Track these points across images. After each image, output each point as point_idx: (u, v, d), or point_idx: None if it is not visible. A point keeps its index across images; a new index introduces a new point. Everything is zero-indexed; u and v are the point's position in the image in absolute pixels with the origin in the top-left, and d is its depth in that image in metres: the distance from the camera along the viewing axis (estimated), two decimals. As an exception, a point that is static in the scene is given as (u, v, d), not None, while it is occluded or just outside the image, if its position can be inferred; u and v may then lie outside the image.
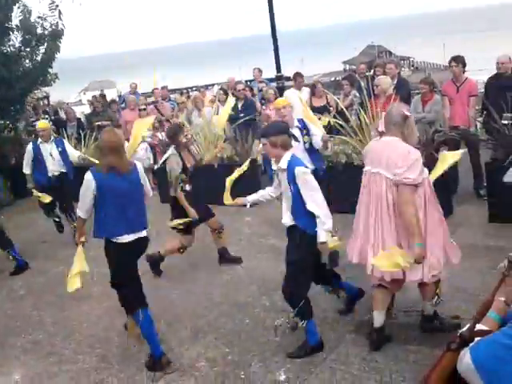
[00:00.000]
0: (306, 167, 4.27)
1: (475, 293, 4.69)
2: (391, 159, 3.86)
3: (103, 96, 12.19)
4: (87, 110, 14.48)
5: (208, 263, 6.42)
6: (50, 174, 7.60)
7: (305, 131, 5.78)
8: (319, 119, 8.75)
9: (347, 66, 41.78)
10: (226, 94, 10.47)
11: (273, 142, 4.22)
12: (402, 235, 3.91)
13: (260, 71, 12.07)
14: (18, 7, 10.67)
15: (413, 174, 3.79)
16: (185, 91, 11.96)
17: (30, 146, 7.78)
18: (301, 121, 5.88)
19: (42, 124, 7.99)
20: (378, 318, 4.18)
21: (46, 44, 10.91)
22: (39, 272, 6.91)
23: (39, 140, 7.69)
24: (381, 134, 4.28)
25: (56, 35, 10.95)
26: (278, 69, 11.80)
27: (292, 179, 4.11)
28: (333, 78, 20.48)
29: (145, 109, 11.15)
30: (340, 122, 7.68)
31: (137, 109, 11.16)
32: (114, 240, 4.26)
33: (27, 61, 11.04)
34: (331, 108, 9.01)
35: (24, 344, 5.17)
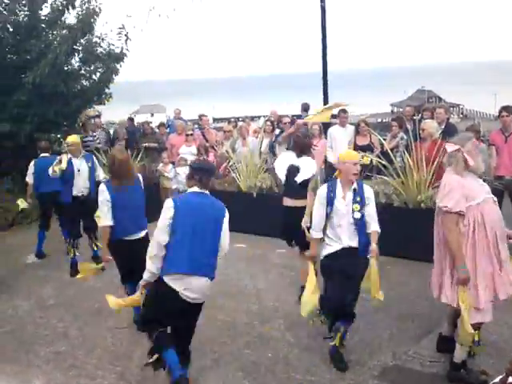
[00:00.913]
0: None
1: (504, 347, 4.50)
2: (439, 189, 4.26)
3: (149, 123, 12.57)
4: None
5: (236, 291, 6.38)
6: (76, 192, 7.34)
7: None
8: (362, 158, 8.76)
9: (395, 109, 41.65)
10: (273, 125, 10.59)
11: None
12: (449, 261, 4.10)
13: (305, 109, 12.28)
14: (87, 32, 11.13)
15: (449, 202, 4.01)
16: (232, 120, 12.10)
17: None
18: None
19: (73, 138, 7.53)
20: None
21: (105, 65, 11.30)
22: (70, 283, 6.98)
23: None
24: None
25: (117, 58, 11.35)
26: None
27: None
28: (380, 119, 20.45)
29: (191, 134, 11.33)
30: (383, 163, 7.63)
31: (184, 134, 11.35)
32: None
33: (85, 79, 11.44)
34: (375, 148, 8.96)
35: (47, 354, 5.21)
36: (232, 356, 4.89)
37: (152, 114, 20.83)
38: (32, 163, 8.15)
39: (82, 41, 11.12)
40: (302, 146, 6.05)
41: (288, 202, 6.04)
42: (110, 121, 28.55)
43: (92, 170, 7.50)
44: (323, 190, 4.78)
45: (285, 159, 6.16)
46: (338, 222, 4.63)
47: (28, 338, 5.61)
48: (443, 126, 8.29)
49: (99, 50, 11.33)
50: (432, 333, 4.89)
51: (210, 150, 10.99)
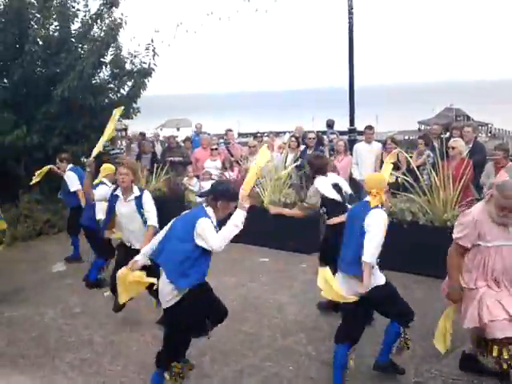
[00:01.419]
0: None
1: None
2: None
3: (175, 137, 12.72)
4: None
5: (260, 304, 6.41)
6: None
7: None
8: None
9: (422, 126, 41.32)
10: (298, 141, 10.65)
11: None
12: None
13: (330, 125, 12.33)
14: (113, 46, 11.39)
15: (457, 232, 4.26)
16: (259, 135, 12.18)
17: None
18: None
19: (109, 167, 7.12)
20: None
21: (133, 80, 11.51)
22: (97, 293, 7.08)
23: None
24: None
25: (145, 73, 11.56)
26: (352, 122, 11.88)
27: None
28: (406, 137, 20.34)
29: (216, 149, 11.45)
30: (409, 180, 7.61)
31: (209, 148, 11.47)
32: None
33: (113, 93, 11.66)
34: (401, 166, 8.93)
35: (72, 360, 5.30)
36: (254, 368, 4.91)
37: (178, 128, 21.09)
38: (73, 172, 8.24)
39: (110, 55, 11.36)
40: (317, 167, 5.92)
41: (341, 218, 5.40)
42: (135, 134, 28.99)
43: None
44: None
45: (324, 182, 5.85)
46: None
47: (53, 344, 5.71)
48: (470, 145, 8.25)
49: (128, 65, 11.56)
50: (455, 351, 4.85)
51: (234, 164, 11.09)
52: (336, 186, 5.82)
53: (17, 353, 5.57)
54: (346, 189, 5.92)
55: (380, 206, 4.43)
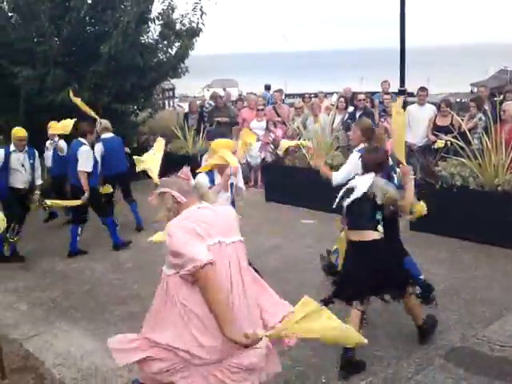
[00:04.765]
0: None
1: None
2: None
3: (221, 96, 12.63)
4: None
5: (304, 266, 6.47)
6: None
7: None
8: (434, 143, 8.53)
9: (475, 89, 39.82)
10: (346, 102, 10.49)
11: None
12: None
13: (389, 84, 12.09)
14: (161, 1, 11.31)
15: None
16: (307, 96, 11.99)
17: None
18: None
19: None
20: None
21: (182, 40, 11.46)
22: (147, 249, 7.10)
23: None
24: None
25: (193, 33, 11.49)
26: (402, 83, 11.57)
27: None
28: (458, 99, 19.65)
29: (262, 109, 11.41)
30: (460, 144, 7.42)
31: (255, 108, 11.44)
32: None
33: (161, 53, 11.67)
34: (455, 130, 8.72)
35: (122, 313, 5.52)
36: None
37: (224, 89, 21.03)
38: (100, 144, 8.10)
39: (157, 14, 11.28)
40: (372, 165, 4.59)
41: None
42: (183, 94, 29.04)
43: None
44: None
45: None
46: None
47: (104, 297, 5.94)
48: (525, 109, 7.92)
49: (178, 26, 11.50)
50: (502, 318, 4.79)
51: (279, 125, 11.04)
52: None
53: (69, 305, 5.83)
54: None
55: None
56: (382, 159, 4.57)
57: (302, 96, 12.79)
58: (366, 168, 4.52)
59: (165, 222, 3.02)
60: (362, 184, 4.35)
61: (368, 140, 5.29)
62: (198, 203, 3.09)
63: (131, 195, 8.60)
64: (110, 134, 8.37)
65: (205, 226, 2.90)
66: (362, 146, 5.32)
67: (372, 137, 5.34)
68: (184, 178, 3.22)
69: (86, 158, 7.22)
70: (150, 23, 11.30)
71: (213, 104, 12.45)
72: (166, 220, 3.06)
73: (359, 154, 4.90)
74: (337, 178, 5.28)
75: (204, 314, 2.83)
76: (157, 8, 11.35)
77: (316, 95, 13.62)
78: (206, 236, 2.87)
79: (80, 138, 7.38)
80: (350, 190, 4.42)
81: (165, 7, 11.28)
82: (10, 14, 10.77)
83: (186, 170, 3.30)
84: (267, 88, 17.53)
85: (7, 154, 7.18)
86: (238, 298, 2.92)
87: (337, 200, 4.53)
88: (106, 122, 8.40)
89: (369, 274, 4.19)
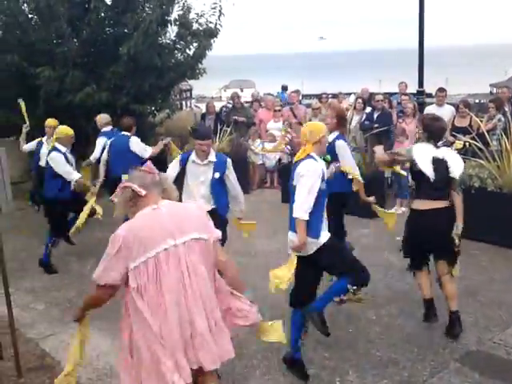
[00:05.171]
0: None
1: None
2: None
3: (239, 96, 12.62)
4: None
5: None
6: None
7: None
8: (452, 144, 8.47)
9: (494, 89, 39.37)
10: (364, 103, 10.45)
11: None
12: None
13: (406, 86, 12.02)
14: (178, 2, 11.38)
15: None
16: (324, 96, 11.94)
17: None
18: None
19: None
20: None
21: (199, 40, 11.50)
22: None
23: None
24: None
25: (211, 33, 11.52)
26: (421, 84, 11.48)
27: None
28: (477, 100, 19.46)
29: (280, 110, 11.41)
30: (479, 145, 7.35)
31: (273, 109, 11.45)
32: None
33: (179, 54, 11.72)
34: (473, 131, 8.64)
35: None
36: (314, 328, 4.96)
37: (242, 89, 21.09)
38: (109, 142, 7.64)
39: (176, 16, 11.34)
40: (439, 132, 4.77)
41: (427, 204, 4.67)
42: (200, 95, 29.08)
43: None
44: None
45: (425, 151, 4.68)
46: None
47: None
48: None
49: (195, 26, 11.54)
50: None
51: (296, 126, 11.03)
52: (438, 162, 4.61)
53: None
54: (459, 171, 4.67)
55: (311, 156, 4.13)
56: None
57: (318, 97, 12.75)
58: (433, 135, 4.69)
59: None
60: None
61: (341, 127, 5.53)
62: (158, 200, 3.04)
63: None
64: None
65: (139, 241, 2.89)
66: (336, 132, 5.52)
67: (344, 124, 5.58)
68: (147, 172, 3.15)
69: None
70: (169, 25, 11.36)
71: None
72: (123, 214, 3.13)
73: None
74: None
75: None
76: (176, 9, 11.42)
77: (334, 95, 13.59)
78: (133, 253, 2.91)
79: (124, 132, 7.53)
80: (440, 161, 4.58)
81: (180, 8, 11.32)
82: (29, 16, 10.90)
83: (149, 163, 3.26)
84: (284, 88, 17.53)
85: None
86: (190, 300, 2.93)
87: (431, 171, 4.55)
88: (106, 117, 8.46)
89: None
